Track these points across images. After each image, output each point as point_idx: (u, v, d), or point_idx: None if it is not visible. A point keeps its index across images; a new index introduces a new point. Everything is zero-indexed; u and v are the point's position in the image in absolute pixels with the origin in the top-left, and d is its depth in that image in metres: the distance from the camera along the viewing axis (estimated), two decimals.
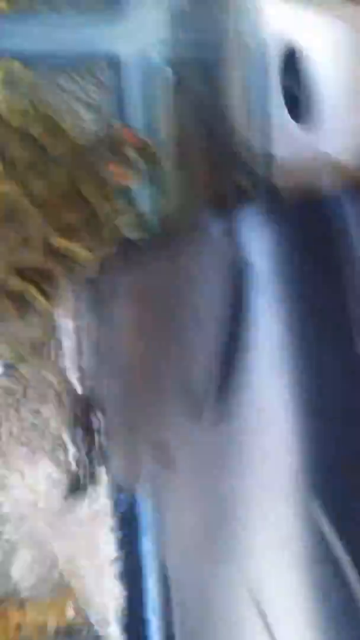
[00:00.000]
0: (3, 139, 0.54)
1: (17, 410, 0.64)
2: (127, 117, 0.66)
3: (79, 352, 0.62)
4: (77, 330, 0.61)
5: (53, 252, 0.55)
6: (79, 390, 0.62)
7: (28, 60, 0.63)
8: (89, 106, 0.66)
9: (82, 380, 0.62)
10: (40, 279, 0.55)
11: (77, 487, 0.61)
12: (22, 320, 0.56)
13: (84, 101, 0.66)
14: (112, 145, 0.58)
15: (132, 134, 0.59)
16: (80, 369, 0.62)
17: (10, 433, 0.63)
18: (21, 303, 0.55)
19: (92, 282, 0.58)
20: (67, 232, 0.56)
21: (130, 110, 0.66)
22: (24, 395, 0.64)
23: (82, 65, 0.63)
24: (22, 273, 0.54)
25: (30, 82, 0.59)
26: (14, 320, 0.56)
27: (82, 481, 0.60)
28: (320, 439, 0.46)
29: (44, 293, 0.56)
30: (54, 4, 0.63)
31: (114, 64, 0.64)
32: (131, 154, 0.58)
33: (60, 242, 0.55)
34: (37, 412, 0.64)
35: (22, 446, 0.63)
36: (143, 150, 0.59)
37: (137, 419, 0.55)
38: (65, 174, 0.56)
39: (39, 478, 0.63)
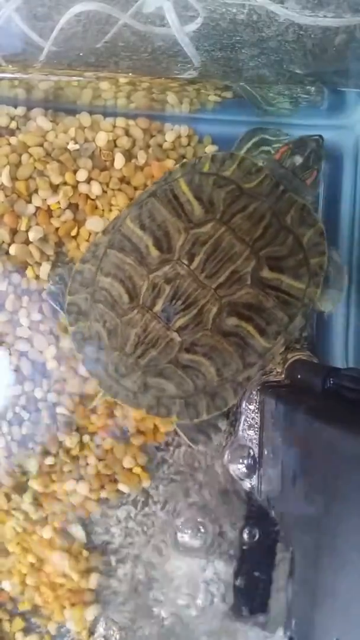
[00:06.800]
0: (202, 185, 0.55)
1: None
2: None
3: (260, 455, 0.58)
4: (260, 434, 0.58)
5: (264, 286, 0.53)
6: (256, 495, 0.58)
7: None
8: None
9: (260, 490, 0.58)
10: (255, 315, 0.53)
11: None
12: (241, 360, 0.54)
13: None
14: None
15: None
16: (259, 476, 0.58)
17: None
18: (239, 342, 0.53)
19: (283, 397, 0.55)
20: (275, 263, 0.54)
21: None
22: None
23: None
24: (236, 311, 0.53)
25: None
26: (235, 361, 0.53)
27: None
28: None
29: (259, 330, 0.53)
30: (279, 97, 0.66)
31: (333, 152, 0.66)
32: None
33: (269, 273, 0.53)
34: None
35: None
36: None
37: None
38: (266, 207, 0.55)
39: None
